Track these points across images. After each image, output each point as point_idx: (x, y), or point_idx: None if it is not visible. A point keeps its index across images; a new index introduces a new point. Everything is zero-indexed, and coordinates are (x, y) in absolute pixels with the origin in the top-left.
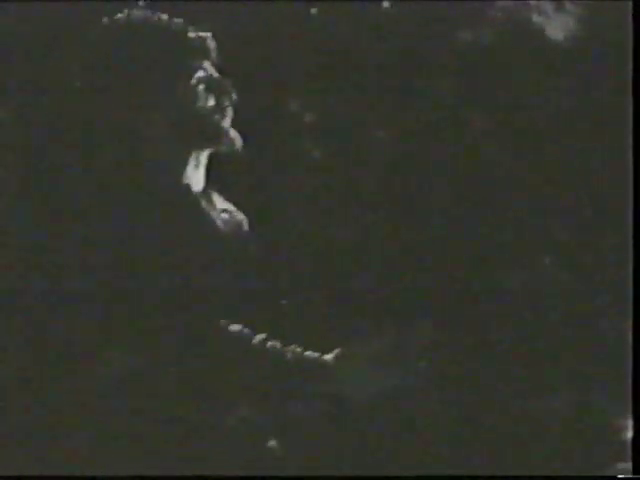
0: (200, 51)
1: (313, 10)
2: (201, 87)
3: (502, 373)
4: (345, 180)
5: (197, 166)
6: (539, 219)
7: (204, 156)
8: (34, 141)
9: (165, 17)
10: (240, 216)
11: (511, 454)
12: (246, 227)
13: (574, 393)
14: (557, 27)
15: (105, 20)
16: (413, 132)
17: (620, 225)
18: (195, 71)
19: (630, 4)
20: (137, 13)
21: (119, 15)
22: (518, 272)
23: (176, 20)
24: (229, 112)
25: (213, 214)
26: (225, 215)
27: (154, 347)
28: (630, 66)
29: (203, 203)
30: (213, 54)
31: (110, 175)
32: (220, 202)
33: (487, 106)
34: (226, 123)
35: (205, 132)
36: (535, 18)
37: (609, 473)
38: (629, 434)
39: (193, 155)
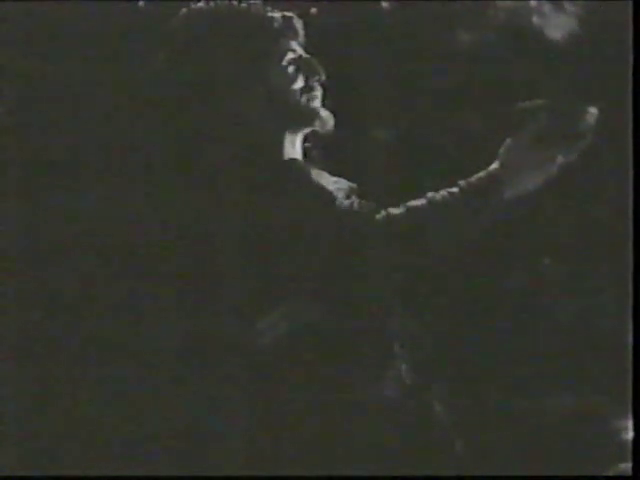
0: (287, 31)
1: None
2: (291, 68)
3: (501, 373)
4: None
5: (293, 146)
6: (539, 219)
7: (299, 136)
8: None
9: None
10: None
11: (511, 454)
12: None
13: (574, 393)
14: (557, 27)
15: (184, 11)
16: (413, 132)
17: (620, 225)
18: (285, 52)
19: (630, 4)
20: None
21: (199, 4)
22: (518, 272)
23: (253, 2)
24: (319, 92)
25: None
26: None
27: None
28: (630, 66)
29: (303, 178)
30: (301, 33)
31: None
32: (319, 175)
33: (487, 106)
34: (317, 103)
35: (297, 113)
36: (535, 18)
37: (609, 473)
38: (629, 434)
39: (288, 136)
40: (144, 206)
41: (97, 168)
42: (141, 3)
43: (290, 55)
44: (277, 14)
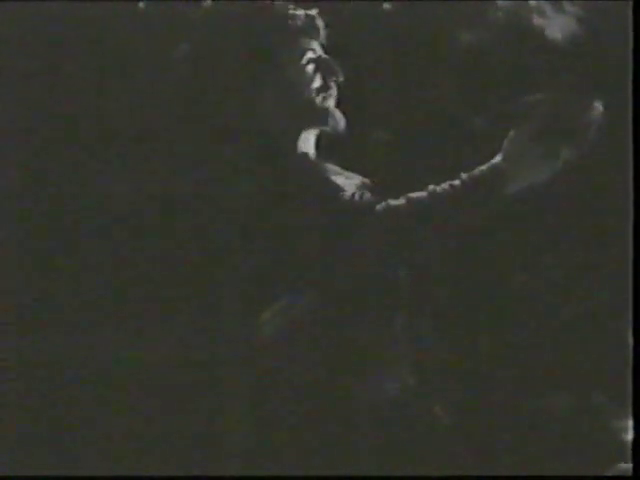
0: (308, 30)
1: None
2: (310, 67)
3: (502, 373)
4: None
5: (306, 141)
6: (539, 218)
7: (312, 135)
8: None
9: None
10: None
11: (511, 454)
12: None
13: (574, 393)
14: (557, 27)
15: (207, 3)
16: (413, 132)
17: (620, 225)
18: (305, 52)
19: (630, 4)
20: None
21: None
22: (518, 272)
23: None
24: (334, 93)
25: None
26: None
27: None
28: (630, 66)
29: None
30: (322, 33)
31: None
32: (329, 169)
33: (487, 106)
34: (331, 104)
35: (311, 113)
36: (535, 18)
37: (609, 473)
38: (629, 435)
39: (303, 134)
40: (151, 199)
41: (110, 164)
42: (141, 4)
43: (310, 54)
44: (300, 12)
